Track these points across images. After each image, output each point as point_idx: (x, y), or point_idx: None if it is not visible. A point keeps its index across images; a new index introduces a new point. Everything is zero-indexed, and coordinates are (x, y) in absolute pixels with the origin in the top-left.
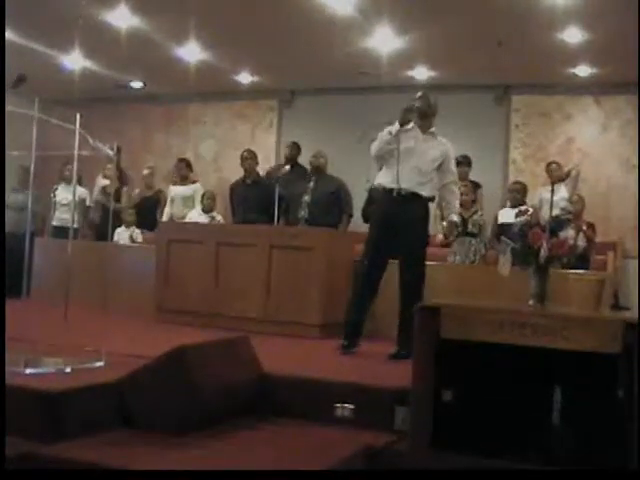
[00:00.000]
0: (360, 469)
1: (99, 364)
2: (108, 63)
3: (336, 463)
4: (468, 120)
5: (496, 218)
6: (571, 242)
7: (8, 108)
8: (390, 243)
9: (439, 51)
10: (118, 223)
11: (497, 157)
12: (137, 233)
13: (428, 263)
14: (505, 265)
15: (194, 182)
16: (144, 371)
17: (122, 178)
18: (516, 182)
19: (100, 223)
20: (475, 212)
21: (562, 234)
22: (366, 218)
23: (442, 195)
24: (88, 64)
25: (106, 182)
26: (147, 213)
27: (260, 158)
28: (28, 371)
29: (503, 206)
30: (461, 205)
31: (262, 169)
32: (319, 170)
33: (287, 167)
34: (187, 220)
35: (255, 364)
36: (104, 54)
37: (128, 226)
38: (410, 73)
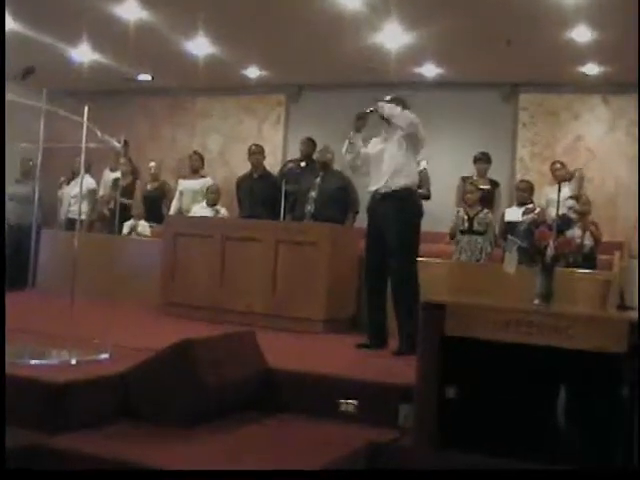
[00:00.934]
0: (360, 469)
1: (104, 356)
2: (116, 56)
3: (339, 459)
4: (476, 118)
5: (503, 216)
6: (578, 241)
7: (16, 99)
8: (380, 242)
9: (447, 48)
10: (128, 216)
11: (504, 155)
12: (145, 226)
13: (434, 260)
14: (511, 263)
15: (203, 177)
16: (149, 364)
17: (134, 172)
18: (523, 180)
19: (111, 216)
20: (481, 210)
21: (569, 233)
22: None
23: None
24: (96, 57)
25: (116, 175)
26: (152, 206)
27: (267, 153)
28: (33, 362)
29: (510, 204)
30: (467, 203)
31: (269, 163)
32: (326, 166)
33: (302, 163)
34: (192, 214)
35: (260, 359)
36: (112, 47)
37: (137, 219)
38: (418, 70)
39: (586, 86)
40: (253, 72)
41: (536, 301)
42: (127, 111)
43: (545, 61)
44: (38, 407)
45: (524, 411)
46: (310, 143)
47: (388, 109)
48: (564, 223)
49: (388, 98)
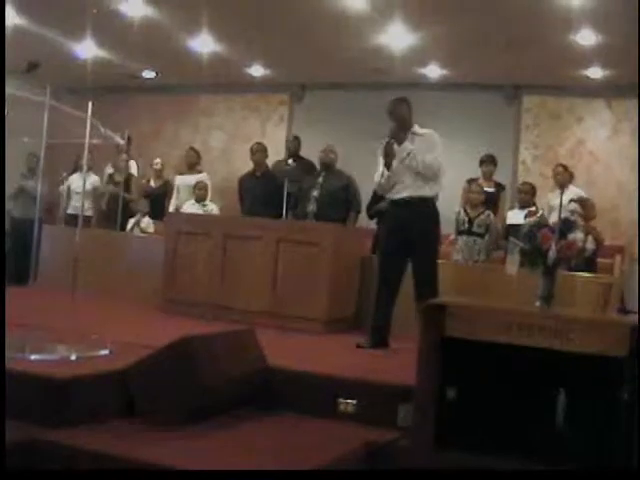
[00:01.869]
0: (359, 469)
1: (104, 352)
2: (121, 52)
3: (337, 458)
4: (478, 119)
5: (505, 219)
6: (580, 244)
7: (19, 94)
8: (402, 248)
9: (451, 49)
10: (128, 211)
11: (507, 157)
12: (149, 223)
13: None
14: (513, 265)
15: (200, 172)
16: (149, 360)
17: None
18: (525, 183)
19: (108, 211)
20: (482, 212)
21: (571, 236)
22: (371, 216)
23: None
24: (101, 53)
25: (110, 170)
26: (156, 203)
27: (270, 152)
28: (33, 357)
29: (512, 207)
30: (471, 204)
31: (271, 162)
32: (328, 165)
33: (290, 161)
34: (182, 211)
35: (259, 357)
36: (117, 43)
37: (142, 216)
38: (422, 71)
39: (590, 89)
40: (257, 71)
41: (537, 303)
42: (131, 108)
43: (549, 63)
44: (38, 402)
45: (524, 413)
46: (296, 140)
47: (421, 165)
48: (566, 226)
49: (388, 108)
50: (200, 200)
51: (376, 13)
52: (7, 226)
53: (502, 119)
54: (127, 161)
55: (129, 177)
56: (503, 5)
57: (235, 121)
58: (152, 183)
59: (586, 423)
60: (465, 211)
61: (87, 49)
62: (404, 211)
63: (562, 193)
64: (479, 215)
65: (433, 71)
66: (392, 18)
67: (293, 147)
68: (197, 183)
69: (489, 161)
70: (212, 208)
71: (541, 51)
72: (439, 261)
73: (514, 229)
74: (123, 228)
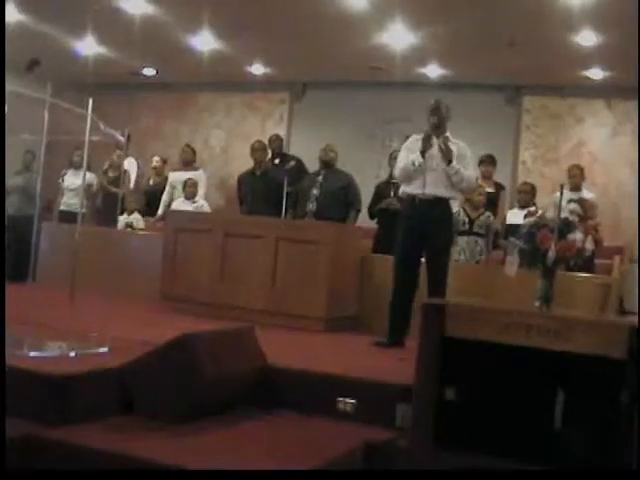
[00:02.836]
0: (360, 469)
1: (103, 349)
2: (121, 50)
3: (335, 458)
4: (479, 120)
5: (505, 219)
6: (579, 245)
7: (20, 91)
8: (417, 245)
9: (451, 49)
10: (122, 208)
11: (507, 158)
12: (139, 219)
13: None
14: (512, 266)
15: (196, 169)
16: (148, 358)
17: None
18: (525, 183)
19: (102, 208)
20: (483, 213)
21: (570, 236)
22: (372, 215)
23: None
24: (102, 50)
25: (105, 166)
26: (154, 200)
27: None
28: (32, 354)
29: (512, 207)
30: (473, 205)
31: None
32: (328, 164)
33: (277, 161)
34: (173, 208)
35: (259, 355)
36: (118, 41)
37: (130, 213)
38: (422, 70)
39: (590, 90)
40: (258, 69)
41: (537, 304)
42: (131, 105)
43: (549, 64)
44: (37, 399)
45: (523, 413)
46: (278, 140)
47: (466, 182)
48: (566, 226)
49: (433, 104)
50: (190, 197)
51: (377, 12)
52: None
53: (502, 119)
54: (121, 157)
55: (122, 173)
56: (504, 5)
57: (235, 119)
58: (151, 181)
59: (585, 424)
60: (465, 212)
61: (88, 46)
62: (421, 211)
63: (562, 193)
64: (479, 216)
65: (433, 71)
66: (393, 17)
67: (276, 146)
68: (186, 180)
69: (488, 161)
70: (202, 204)
71: (542, 52)
72: None
73: (514, 229)
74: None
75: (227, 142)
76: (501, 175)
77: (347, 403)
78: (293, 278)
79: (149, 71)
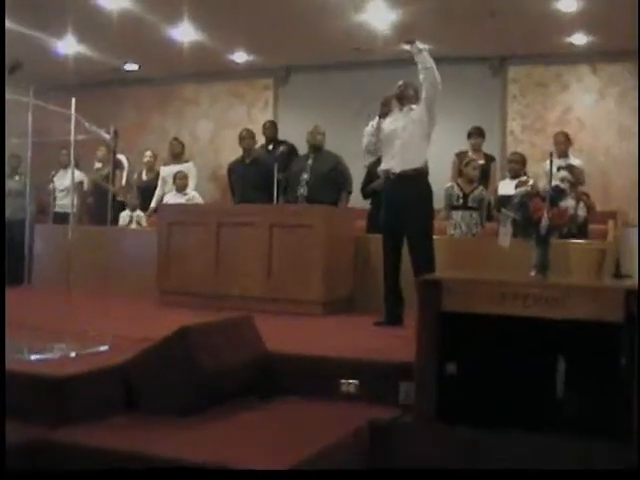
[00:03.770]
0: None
1: (103, 348)
2: (102, 47)
3: (340, 437)
4: (465, 92)
5: (496, 190)
6: (571, 212)
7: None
8: (396, 223)
9: (434, 24)
10: (119, 206)
11: (495, 128)
12: (141, 216)
13: None
14: (505, 237)
15: (186, 162)
16: (148, 354)
17: (115, 161)
18: (515, 153)
19: (94, 206)
20: (476, 187)
21: (562, 204)
22: (365, 195)
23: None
24: (81, 49)
25: (99, 165)
26: (147, 196)
27: (257, 137)
28: (33, 357)
29: (503, 178)
30: (463, 176)
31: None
32: (317, 147)
33: (270, 147)
34: (165, 202)
35: (258, 343)
36: (97, 38)
37: (132, 210)
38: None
39: (574, 56)
40: (240, 57)
41: (532, 273)
42: (115, 102)
43: (533, 33)
44: (39, 401)
45: (524, 384)
46: (272, 125)
47: (428, 57)
48: (557, 194)
49: (400, 83)
50: (180, 190)
51: None
52: None
53: (488, 91)
54: (111, 154)
55: (112, 171)
56: None
57: (221, 109)
58: (144, 176)
59: (586, 390)
60: (459, 186)
61: (68, 45)
62: (395, 185)
63: (551, 162)
64: (473, 190)
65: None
66: None
67: (270, 132)
68: (176, 173)
69: (477, 133)
70: (193, 195)
71: (524, 21)
72: (434, 236)
73: (506, 200)
74: (115, 222)
75: (214, 132)
76: (490, 146)
77: (350, 384)
78: (288, 264)
79: (131, 66)
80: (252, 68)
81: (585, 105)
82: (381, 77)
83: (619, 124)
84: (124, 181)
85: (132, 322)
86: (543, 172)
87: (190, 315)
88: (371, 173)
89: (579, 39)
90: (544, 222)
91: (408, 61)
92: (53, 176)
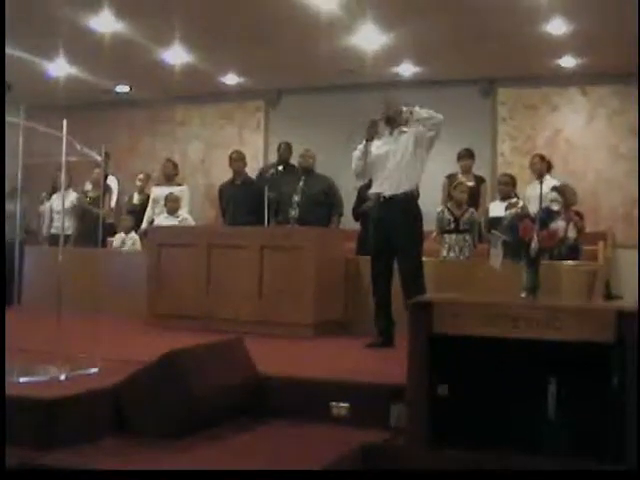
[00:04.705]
0: (359, 469)
1: (93, 370)
2: (93, 69)
3: (332, 462)
4: (455, 114)
5: (487, 211)
6: (561, 233)
7: None
8: (386, 245)
9: (424, 47)
10: (109, 229)
11: (485, 150)
12: (136, 239)
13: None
14: (496, 258)
15: (179, 184)
16: (138, 376)
17: (105, 186)
18: (504, 175)
19: (83, 228)
20: (467, 210)
21: (552, 225)
22: (357, 217)
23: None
24: (73, 70)
25: (90, 187)
26: (139, 219)
27: (248, 159)
28: (22, 380)
29: (493, 199)
30: (452, 200)
31: (250, 169)
32: (308, 169)
33: (280, 167)
34: (155, 224)
35: (249, 365)
36: (89, 60)
37: (127, 232)
38: (396, 70)
39: (563, 78)
40: (231, 79)
41: (523, 295)
42: (107, 123)
43: (522, 55)
44: (29, 425)
45: (515, 405)
46: (287, 148)
47: (425, 113)
48: (547, 216)
49: (383, 103)
50: (172, 212)
51: (347, 15)
52: None
53: (478, 112)
54: (104, 176)
55: (102, 193)
56: (473, 0)
57: (212, 130)
58: (135, 199)
59: (577, 411)
60: (449, 210)
61: (59, 67)
62: (385, 208)
63: (541, 182)
64: (464, 213)
65: (407, 69)
66: (363, 19)
67: (285, 154)
68: (167, 195)
69: (467, 155)
70: (186, 218)
71: (513, 43)
72: (425, 259)
73: (497, 221)
74: (104, 245)
75: (205, 154)
76: (480, 168)
77: (341, 407)
78: (279, 286)
79: (122, 88)
80: (243, 90)
81: (574, 127)
82: (372, 99)
83: (608, 145)
84: (113, 203)
85: (122, 344)
86: (529, 195)
87: (180, 337)
88: (361, 195)
89: (568, 61)
90: (534, 244)
91: (399, 83)
92: (44, 198)
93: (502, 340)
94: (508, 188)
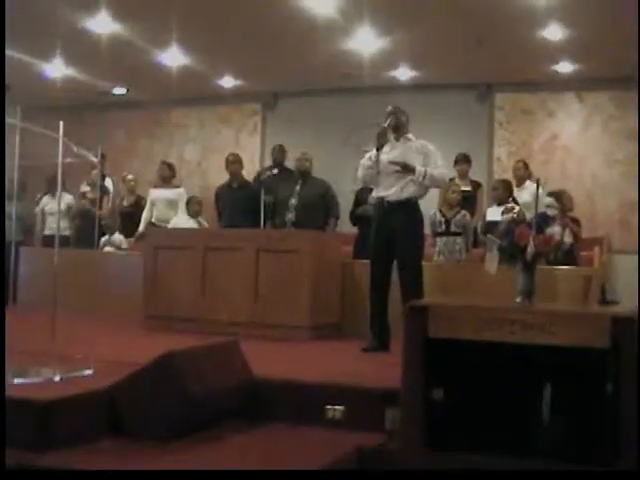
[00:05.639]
0: (356, 469)
1: (88, 372)
2: (90, 70)
3: (327, 466)
4: (452, 119)
5: (484, 216)
6: (557, 238)
7: None
8: (386, 249)
9: (421, 51)
10: (101, 231)
11: (482, 155)
12: (122, 240)
13: None
14: (492, 263)
15: (177, 187)
16: (133, 378)
17: (103, 187)
18: (497, 180)
19: (80, 229)
20: (458, 212)
21: (548, 230)
22: (354, 221)
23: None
24: (70, 72)
25: (87, 189)
26: (129, 221)
27: (245, 161)
28: (17, 381)
29: (490, 204)
30: (448, 204)
31: (247, 172)
32: (305, 173)
33: (275, 170)
34: (172, 226)
35: (245, 368)
36: (86, 61)
37: (111, 234)
38: (393, 73)
39: (560, 84)
40: (228, 82)
41: (518, 299)
42: (103, 125)
43: (519, 60)
44: (24, 426)
45: (510, 409)
46: (281, 150)
47: (438, 174)
48: (543, 221)
49: (389, 110)
50: (195, 215)
51: (344, 18)
52: None
53: (475, 117)
54: (101, 177)
55: (101, 195)
56: (471, 4)
57: (209, 133)
58: (125, 201)
59: (572, 416)
60: (441, 212)
61: (56, 69)
62: (387, 212)
63: (538, 188)
64: (455, 215)
65: (404, 73)
66: (360, 22)
67: (279, 157)
68: (191, 198)
69: (463, 160)
70: (204, 222)
71: (510, 49)
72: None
73: (493, 226)
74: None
75: (202, 156)
76: (478, 173)
77: (336, 410)
78: (275, 288)
79: (119, 90)
80: (240, 93)
81: (571, 132)
82: (369, 103)
83: (604, 151)
84: (110, 204)
85: (118, 346)
86: (522, 201)
87: (176, 339)
88: (358, 199)
89: (565, 67)
90: (530, 249)
91: (396, 87)
92: (39, 199)
93: (497, 344)
94: (504, 193)
